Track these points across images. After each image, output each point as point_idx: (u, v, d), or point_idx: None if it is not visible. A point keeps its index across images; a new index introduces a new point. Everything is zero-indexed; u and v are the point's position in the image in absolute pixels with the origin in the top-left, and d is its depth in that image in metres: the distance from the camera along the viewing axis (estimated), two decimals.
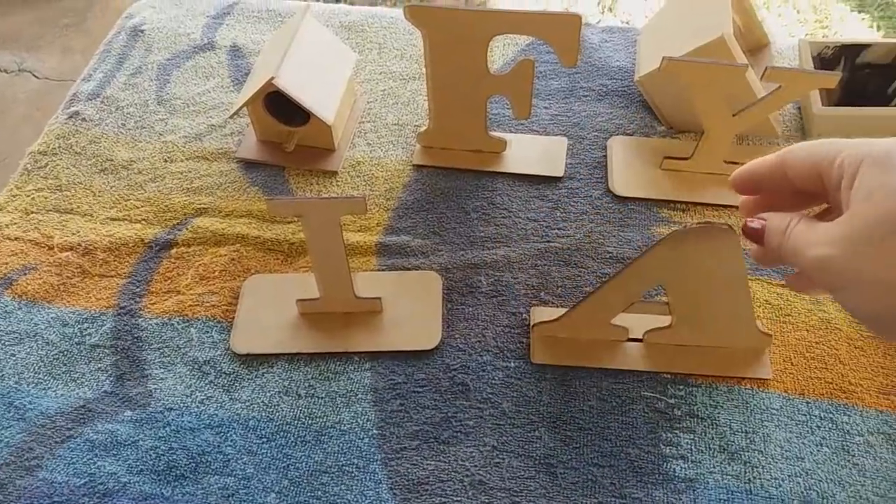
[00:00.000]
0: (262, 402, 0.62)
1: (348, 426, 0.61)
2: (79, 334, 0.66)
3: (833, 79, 0.66)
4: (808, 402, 0.64)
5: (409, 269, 0.71)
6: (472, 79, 0.71)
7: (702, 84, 0.68)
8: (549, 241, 0.73)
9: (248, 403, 0.62)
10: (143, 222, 0.74)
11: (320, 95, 0.75)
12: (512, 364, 0.65)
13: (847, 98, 0.81)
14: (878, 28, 2.00)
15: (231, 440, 0.60)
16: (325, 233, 0.59)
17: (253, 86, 0.73)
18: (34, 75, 2.04)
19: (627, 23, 2.02)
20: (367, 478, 0.58)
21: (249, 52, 0.91)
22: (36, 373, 0.64)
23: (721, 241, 0.54)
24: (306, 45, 0.75)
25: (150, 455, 0.59)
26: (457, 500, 0.57)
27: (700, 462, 0.60)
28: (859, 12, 2.06)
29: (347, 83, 0.79)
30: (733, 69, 0.66)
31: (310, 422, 0.61)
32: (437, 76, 0.72)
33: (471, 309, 0.68)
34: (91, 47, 1.64)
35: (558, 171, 0.79)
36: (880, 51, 0.80)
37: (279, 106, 0.76)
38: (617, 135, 0.83)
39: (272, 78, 0.69)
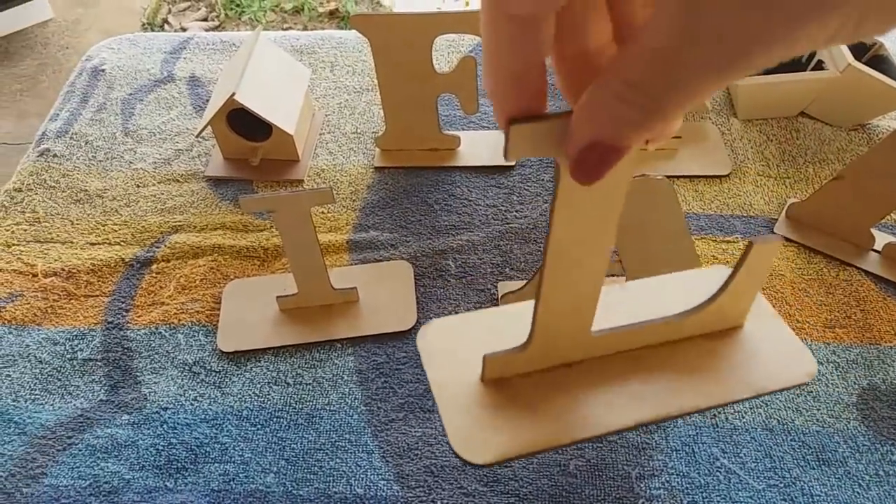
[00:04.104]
0: (253, 393, 0.66)
1: (337, 406, 0.65)
2: (70, 351, 0.69)
3: None
4: None
5: (380, 261, 0.75)
6: (420, 80, 0.77)
7: None
8: (508, 224, 0.78)
9: (239, 396, 0.66)
10: (122, 244, 0.77)
11: (280, 109, 0.80)
12: None
13: (766, 71, 0.88)
14: None
15: (227, 430, 0.63)
16: (297, 226, 0.63)
17: (215, 104, 0.78)
18: None
19: None
20: (360, 450, 0.62)
21: (208, 81, 0.95)
22: (32, 390, 0.66)
23: (657, 191, 0.59)
24: (262, 64, 0.80)
25: (150, 452, 0.62)
26: (445, 460, 0.61)
27: None
28: None
29: (304, 97, 0.84)
30: None
31: (300, 406, 0.65)
32: (386, 80, 0.77)
33: (441, 290, 0.73)
34: (45, 110, 1.67)
35: (510, 161, 0.84)
36: None
37: (242, 123, 0.80)
38: None
39: (233, 94, 0.74)
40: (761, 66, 0.23)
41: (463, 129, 0.88)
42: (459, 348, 0.43)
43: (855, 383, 0.66)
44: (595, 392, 0.42)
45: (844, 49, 0.81)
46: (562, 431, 0.40)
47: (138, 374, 0.67)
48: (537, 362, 0.43)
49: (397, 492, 0.59)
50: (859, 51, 0.86)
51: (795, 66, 0.87)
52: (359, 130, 0.89)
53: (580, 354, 0.43)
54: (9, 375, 0.67)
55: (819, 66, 0.83)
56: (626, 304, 0.45)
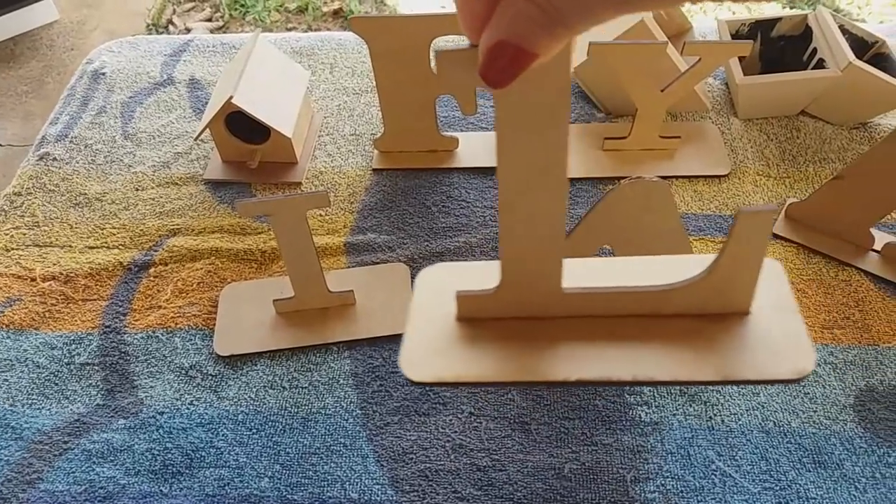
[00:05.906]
0: (249, 397, 0.66)
1: (332, 410, 0.65)
2: (67, 355, 0.69)
3: (746, 46, 0.72)
4: None
5: (377, 264, 0.75)
6: (419, 81, 0.76)
7: (628, 64, 0.73)
8: None
9: (235, 400, 0.66)
10: (120, 247, 0.78)
11: (278, 111, 0.79)
12: None
13: (766, 69, 0.87)
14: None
15: (222, 435, 0.63)
16: (293, 230, 0.63)
17: (214, 107, 0.78)
18: None
19: None
20: (354, 454, 0.62)
21: (207, 84, 0.96)
22: (29, 394, 0.67)
23: (653, 193, 0.59)
24: (260, 66, 0.80)
25: (146, 457, 0.62)
26: (440, 464, 0.61)
27: (663, 406, 0.64)
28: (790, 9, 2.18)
29: (303, 100, 0.84)
30: (654, 46, 0.72)
31: (295, 410, 0.65)
32: (385, 82, 0.77)
33: None
34: (50, 112, 1.68)
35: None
36: (791, 23, 0.87)
37: (240, 126, 0.80)
38: None
39: (230, 97, 0.74)
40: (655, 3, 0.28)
41: (461, 131, 0.87)
42: (451, 289, 0.44)
43: (852, 385, 0.66)
44: (554, 345, 0.43)
45: (845, 47, 0.80)
46: (498, 370, 0.42)
47: (135, 378, 0.68)
48: (509, 309, 0.44)
49: (391, 496, 0.59)
50: (860, 49, 0.86)
51: (796, 64, 0.86)
52: (357, 132, 0.88)
53: (556, 310, 0.44)
54: (6, 380, 0.68)
55: (820, 64, 0.83)
56: (611, 273, 0.45)
